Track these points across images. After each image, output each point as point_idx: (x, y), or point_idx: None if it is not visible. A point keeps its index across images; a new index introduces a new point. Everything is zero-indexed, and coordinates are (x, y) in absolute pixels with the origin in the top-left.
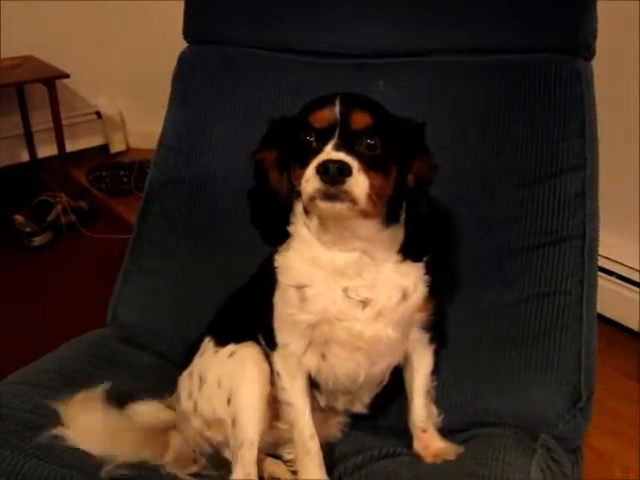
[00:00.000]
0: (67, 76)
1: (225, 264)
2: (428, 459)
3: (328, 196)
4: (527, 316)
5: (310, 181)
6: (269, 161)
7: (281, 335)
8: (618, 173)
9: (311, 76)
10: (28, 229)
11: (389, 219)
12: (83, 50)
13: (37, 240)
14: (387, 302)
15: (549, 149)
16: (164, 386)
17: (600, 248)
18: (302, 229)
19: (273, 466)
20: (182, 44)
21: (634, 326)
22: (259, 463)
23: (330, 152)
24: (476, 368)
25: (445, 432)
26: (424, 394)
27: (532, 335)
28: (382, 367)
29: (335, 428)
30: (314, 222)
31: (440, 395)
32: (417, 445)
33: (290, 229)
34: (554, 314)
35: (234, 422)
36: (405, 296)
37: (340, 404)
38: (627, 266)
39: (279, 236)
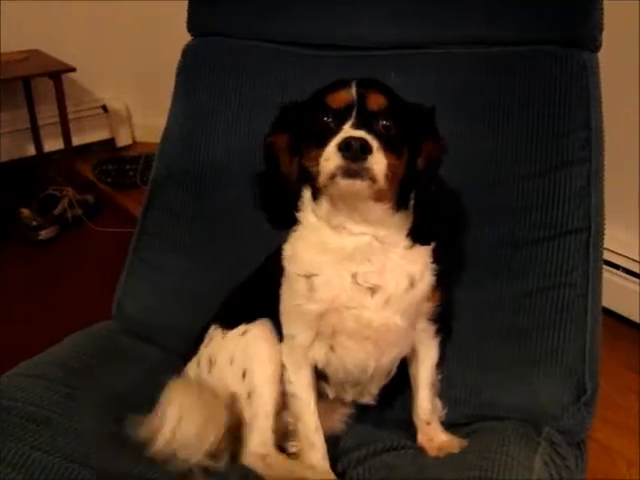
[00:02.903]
0: (73, 70)
1: (229, 257)
2: (432, 452)
3: (349, 173)
4: (532, 309)
5: (331, 158)
6: (280, 145)
7: (288, 327)
8: (626, 166)
9: (315, 68)
10: (34, 223)
11: (399, 204)
12: (89, 44)
13: (43, 234)
14: (395, 289)
15: (554, 141)
16: (168, 378)
17: (605, 241)
18: (310, 216)
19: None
20: (188, 37)
21: (638, 319)
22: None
23: (350, 130)
24: (481, 360)
25: (449, 425)
26: (429, 386)
27: (537, 328)
28: (391, 357)
29: (340, 420)
30: (324, 206)
31: (445, 387)
32: (421, 438)
33: (298, 216)
34: (559, 307)
35: (250, 394)
36: (412, 283)
37: (349, 395)
38: (632, 259)
39: (287, 221)
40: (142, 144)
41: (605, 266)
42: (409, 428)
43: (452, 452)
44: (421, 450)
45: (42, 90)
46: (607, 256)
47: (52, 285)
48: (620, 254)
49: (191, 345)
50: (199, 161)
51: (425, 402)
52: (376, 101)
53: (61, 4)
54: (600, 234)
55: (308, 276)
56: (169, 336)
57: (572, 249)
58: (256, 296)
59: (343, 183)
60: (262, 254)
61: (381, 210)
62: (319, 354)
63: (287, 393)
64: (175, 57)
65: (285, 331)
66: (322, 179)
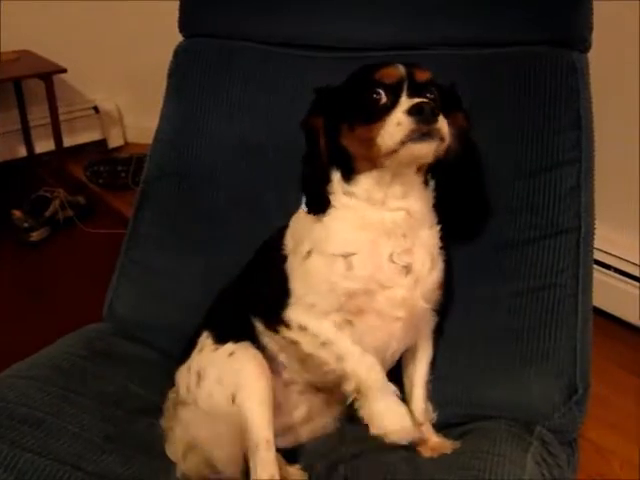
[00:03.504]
0: (64, 71)
1: (221, 258)
2: (426, 453)
3: (423, 135)
4: (523, 309)
5: (403, 124)
6: (318, 127)
7: (309, 298)
8: (622, 169)
9: (307, 69)
10: (26, 224)
11: (426, 179)
12: (81, 45)
13: (35, 235)
14: (422, 268)
15: (544, 142)
16: (160, 380)
17: (597, 242)
18: (342, 198)
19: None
20: (179, 38)
21: (632, 320)
22: None
23: (410, 100)
24: (472, 360)
25: (442, 426)
26: (424, 385)
27: (528, 328)
28: (405, 343)
29: (332, 418)
30: (363, 184)
31: (436, 387)
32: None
33: (331, 199)
34: (549, 307)
35: (244, 421)
36: (433, 264)
37: None
38: (624, 259)
39: (325, 204)
40: (134, 145)
41: (598, 267)
42: None
43: (445, 453)
44: (415, 450)
45: (33, 91)
46: (600, 256)
47: (44, 287)
48: (612, 254)
49: (183, 347)
50: (190, 162)
51: (420, 401)
52: (423, 74)
53: (52, 5)
54: (590, 234)
55: (346, 255)
56: (161, 337)
57: (562, 249)
58: (245, 293)
59: (415, 147)
60: (251, 256)
61: (418, 183)
62: (331, 323)
63: (311, 352)
64: (166, 58)
65: (303, 301)
66: (388, 147)
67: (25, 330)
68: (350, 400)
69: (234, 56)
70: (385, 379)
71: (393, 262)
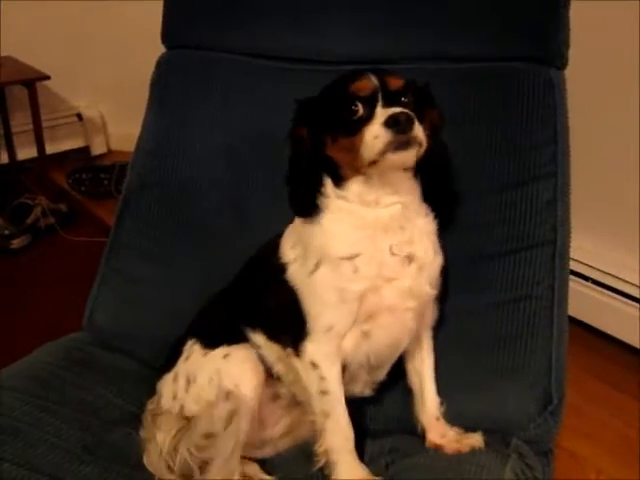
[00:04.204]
0: (48, 78)
1: (202, 268)
2: (450, 449)
3: (400, 145)
4: (498, 320)
5: (380, 137)
6: (304, 137)
7: (323, 318)
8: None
9: (285, 81)
10: (7, 231)
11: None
12: (64, 52)
13: (16, 242)
14: (425, 256)
15: (521, 156)
16: (140, 390)
17: (574, 252)
18: (336, 202)
19: (246, 467)
20: (163, 47)
21: (609, 330)
22: None
23: (385, 110)
24: (448, 371)
25: (419, 435)
26: (433, 378)
27: (504, 339)
28: (414, 334)
29: (312, 429)
30: (354, 188)
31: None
32: (433, 436)
33: (323, 205)
34: (525, 319)
35: (230, 419)
36: (436, 252)
37: (359, 386)
38: (601, 271)
39: (312, 208)
40: (117, 152)
41: (576, 278)
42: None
43: (474, 447)
44: (436, 448)
45: (16, 97)
46: (577, 268)
47: (24, 295)
48: (590, 266)
49: (164, 358)
50: (172, 172)
51: (434, 395)
52: (396, 82)
53: (36, 11)
54: (566, 247)
55: (351, 258)
56: (141, 347)
57: (539, 262)
58: (239, 303)
59: (394, 157)
60: (235, 264)
61: (406, 178)
62: (348, 343)
63: (314, 392)
64: (150, 66)
65: (320, 323)
66: (369, 158)
67: (3, 338)
68: (319, 462)
69: (215, 68)
70: (354, 450)
71: (394, 254)
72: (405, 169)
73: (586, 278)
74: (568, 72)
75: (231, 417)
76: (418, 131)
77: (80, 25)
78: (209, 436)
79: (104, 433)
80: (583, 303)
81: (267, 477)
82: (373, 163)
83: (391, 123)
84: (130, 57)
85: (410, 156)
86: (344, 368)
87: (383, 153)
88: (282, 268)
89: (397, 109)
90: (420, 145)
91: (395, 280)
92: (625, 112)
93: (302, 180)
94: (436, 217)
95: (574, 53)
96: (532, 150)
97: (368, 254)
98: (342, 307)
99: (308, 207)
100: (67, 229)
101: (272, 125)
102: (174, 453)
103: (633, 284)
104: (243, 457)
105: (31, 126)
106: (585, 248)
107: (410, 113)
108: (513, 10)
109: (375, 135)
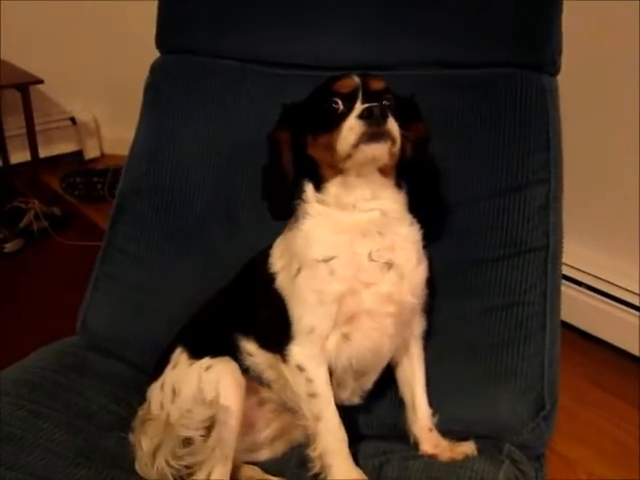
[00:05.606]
0: (41, 82)
1: (196, 273)
2: (444, 457)
3: (373, 137)
4: (491, 326)
5: (354, 128)
6: (283, 141)
7: (305, 319)
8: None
9: (280, 86)
10: (0, 235)
11: (398, 182)
12: (58, 56)
13: (9, 246)
14: (407, 264)
15: (514, 163)
16: (133, 395)
17: (567, 257)
18: (316, 206)
19: (248, 471)
20: (157, 51)
21: (601, 335)
22: (235, 470)
23: (363, 105)
24: (441, 377)
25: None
26: (425, 389)
27: (496, 344)
28: (397, 342)
29: (305, 432)
30: (332, 191)
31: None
32: (426, 446)
33: (303, 209)
34: (518, 324)
35: (210, 425)
36: (419, 260)
37: (347, 392)
38: (594, 275)
39: (285, 211)
40: (111, 156)
41: (569, 282)
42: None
43: (467, 455)
44: (431, 458)
45: (9, 101)
46: (570, 273)
47: (17, 299)
48: (582, 270)
49: (155, 364)
50: (166, 176)
51: (426, 405)
52: (377, 83)
53: (30, 15)
54: (558, 252)
55: (327, 260)
56: (134, 352)
57: (531, 267)
58: (232, 313)
59: (367, 148)
60: (229, 269)
61: (386, 185)
62: (331, 345)
63: (301, 395)
64: (144, 70)
65: (302, 325)
66: (343, 151)
67: None
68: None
69: (209, 73)
70: (348, 453)
71: (372, 260)
72: (382, 171)
73: (579, 283)
74: (561, 78)
75: (211, 423)
76: (392, 125)
77: (74, 29)
78: (187, 443)
79: (98, 438)
80: (577, 308)
81: (272, 478)
82: (348, 157)
83: (365, 115)
84: (124, 61)
85: (383, 149)
86: (330, 373)
87: (357, 145)
88: (271, 277)
89: (373, 103)
90: (393, 141)
91: (373, 285)
92: (619, 117)
93: (276, 184)
94: (422, 227)
95: (566, 59)
96: (525, 156)
97: (345, 257)
98: (321, 309)
99: (283, 210)
100: (60, 233)
101: (266, 131)
102: (153, 460)
103: (629, 290)
104: (244, 462)
105: (24, 130)
106: (579, 254)
107: (385, 107)
108: (506, 17)
109: (350, 127)
